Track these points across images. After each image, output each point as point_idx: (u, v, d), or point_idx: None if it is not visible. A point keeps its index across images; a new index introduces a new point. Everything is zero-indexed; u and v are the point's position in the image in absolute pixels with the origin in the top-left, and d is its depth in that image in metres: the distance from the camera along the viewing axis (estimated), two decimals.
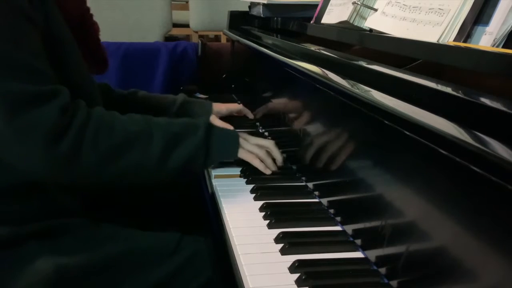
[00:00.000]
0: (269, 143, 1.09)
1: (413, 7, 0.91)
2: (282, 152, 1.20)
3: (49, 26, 0.89)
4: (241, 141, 1.04)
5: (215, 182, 1.04)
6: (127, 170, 0.90)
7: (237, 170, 1.08)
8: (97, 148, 0.86)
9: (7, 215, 0.90)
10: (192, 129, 0.97)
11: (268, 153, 1.08)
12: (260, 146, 1.07)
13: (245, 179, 1.05)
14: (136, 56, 2.07)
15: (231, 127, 1.24)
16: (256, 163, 1.05)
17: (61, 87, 0.86)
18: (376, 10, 1.04)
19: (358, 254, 0.77)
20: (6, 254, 0.88)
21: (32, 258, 0.87)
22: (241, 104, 1.49)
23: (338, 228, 0.86)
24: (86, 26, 1.04)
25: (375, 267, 0.73)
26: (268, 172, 1.06)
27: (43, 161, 0.83)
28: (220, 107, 1.38)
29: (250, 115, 1.47)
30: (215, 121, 1.30)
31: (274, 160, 1.09)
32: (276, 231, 0.82)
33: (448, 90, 0.62)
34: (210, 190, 1.07)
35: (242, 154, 1.04)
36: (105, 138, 0.87)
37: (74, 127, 0.84)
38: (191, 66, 2.09)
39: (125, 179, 0.93)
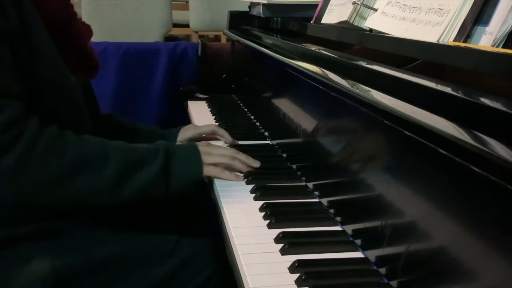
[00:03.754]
0: (231, 151, 1.06)
1: (413, 7, 0.91)
2: (282, 152, 1.20)
3: (26, 34, 0.86)
4: (203, 156, 0.99)
5: (215, 180, 1.05)
6: (78, 194, 0.87)
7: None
8: (46, 168, 0.83)
9: (2, 216, 0.89)
10: (151, 154, 0.93)
11: (234, 156, 1.04)
12: (223, 156, 1.03)
13: (245, 179, 1.04)
14: (136, 56, 2.07)
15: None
16: (226, 175, 1.01)
17: (7, 101, 0.82)
18: (376, 10, 1.04)
19: (358, 254, 0.77)
20: (2, 255, 0.88)
21: (29, 259, 0.87)
22: (214, 126, 1.27)
23: (338, 228, 0.86)
24: (73, 31, 1.01)
25: (375, 267, 0.73)
26: (240, 179, 1.02)
27: None
28: (186, 134, 1.23)
29: (227, 138, 1.24)
30: None
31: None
32: (276, 231, 0.82)
33: (448, 90, 0.62)
34: (209, 190, 1.07)
35: (207, 171, 0.99)
36: (55, 158, 0.84)
37: (21, 143, 0.81)
38: (191, 66, 2.09)
39: (77, 202, 0.89)
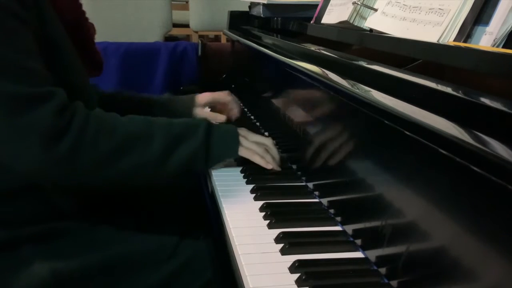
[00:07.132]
0: (268, 141, 1.09)
1: (413, 7, 0.91)
2: (282, 152, 1.20)
3: (44, 28, 0.88)
4: (241, 138, 1.04)
5: (215, 180, 1.05)
6: (126, 172, 0.90)
7: (237, 170, 1.08)
8: (97, 150, 0.85)
9: (2, 218, 0.89)
10: (192, 129, 0.97)
11: (267, 150, 1.08)
12: (259, 144, 1.07)
13: (245, 179, 1.04)
14: (136, 56, 2.07)
15: (223, 117, 1.30)
16: (257, 159, 1.05)
17: (57, 89, 0.85)
18: (376, 10, 1.04)
19: (358, 254, 0.77)
20: (2, 257, 0.88)
21: (28, 261, 0.87)
22: (230, 96, 1.38)
23: (338, 228, 0.86)
24: (82, 29, 1.03)
25: (375, 267, 0.73)
26: (269, 166, 1.06)
27: (41, 163, 0.82)
28: (204, 98, 1.34)
29: (234, 112, 1.37)
30: (203, 113, 1.30)
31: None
32: (276, 231, 0.82)
33: (448, 90, 0.62)
34: (210, 190, 1.07)
35: (242, 152, 1.04)
36: (105, 140, 0.86)
37: (73, 128, 0.83)
38: (191, 66, 2.09)
39: (124, 181, 0.92)
